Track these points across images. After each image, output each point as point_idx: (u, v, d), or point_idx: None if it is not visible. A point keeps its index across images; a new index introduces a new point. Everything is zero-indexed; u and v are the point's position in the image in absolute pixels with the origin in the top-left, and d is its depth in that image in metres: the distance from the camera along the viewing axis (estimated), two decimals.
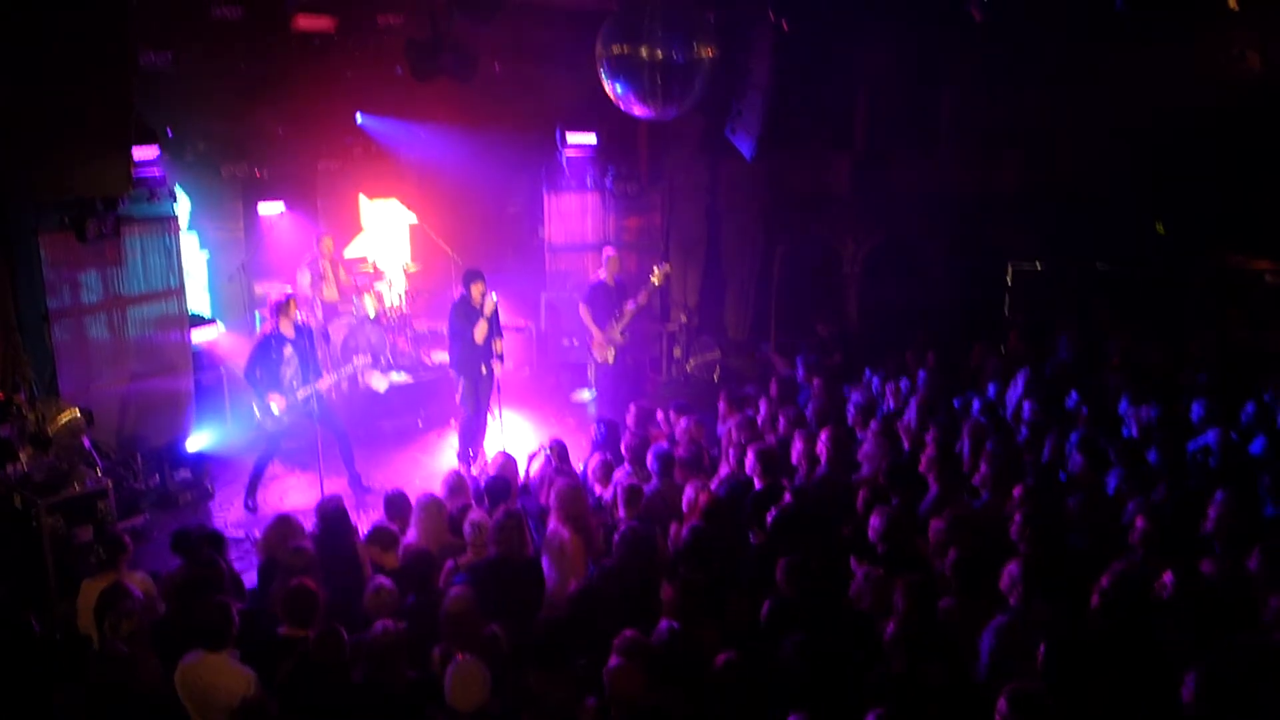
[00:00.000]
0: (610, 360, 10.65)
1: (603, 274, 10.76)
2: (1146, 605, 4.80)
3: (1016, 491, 6.27)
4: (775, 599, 5.09)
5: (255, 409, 8.71)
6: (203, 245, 11.21)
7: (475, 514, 6.19)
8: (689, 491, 6.55)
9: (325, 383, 8.67)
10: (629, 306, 10.59)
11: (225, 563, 5.95)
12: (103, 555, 5.87)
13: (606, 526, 6.47)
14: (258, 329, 11.15)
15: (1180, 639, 4.66)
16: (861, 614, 5.12)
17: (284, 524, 6.20)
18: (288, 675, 4.73)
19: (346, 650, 4.68)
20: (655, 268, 10.66)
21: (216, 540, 6.21)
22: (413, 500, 6.53)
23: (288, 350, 8.58)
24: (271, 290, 10.85)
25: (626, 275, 11.32)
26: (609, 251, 10.91)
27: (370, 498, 8.96)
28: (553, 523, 6.18)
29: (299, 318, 8.78)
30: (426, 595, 5.53)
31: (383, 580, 5.33)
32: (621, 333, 10.59)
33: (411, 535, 6.25)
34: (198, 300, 10.89)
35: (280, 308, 8.54)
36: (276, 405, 8.53)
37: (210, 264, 11.37)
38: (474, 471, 9.13)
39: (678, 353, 12.51)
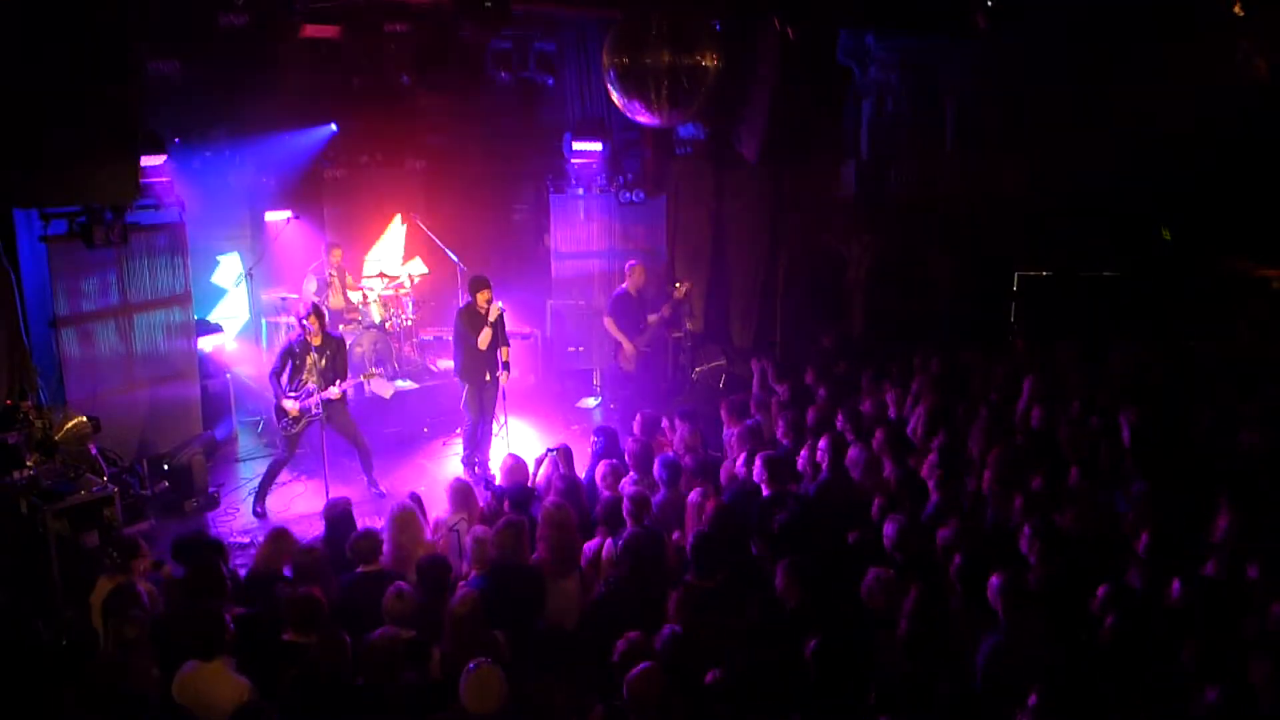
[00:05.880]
0: (633, 369, 10.79)
1: (626, 285, 10.84)
2: (1149, 616, 4.79)
3: (1018, 501, 6.26)
4: (783, 603, 5.09)
5: (273, 412, 8.76)
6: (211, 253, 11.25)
7: (478, 529, 6.20)
8: (694, 498, 6.55)
9: (334, 392, 8.69)
10: (651, 319, 10.70)
11: (228, 569, 5.96)
12: (116, 558, 5.89)
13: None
14: (265, 335, 11.22)
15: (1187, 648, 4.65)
16: (871, 616, 5.12)
17: (279, 540, 6.22)
18: (291, 681, 4.74)
19: (350, 655, 4.68)
20: (676, 283, 10.88)
21: (217, 547, 6.22)
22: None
23: (310, 358, 8.62)
24: (291, 298, 10.91)
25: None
26: (632, 263, 10.99)
27: (385, 503, 8.95)
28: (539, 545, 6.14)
29: (328, 327, 8.81)
30: (438, 601, 5.54)
31: (402, 585, 5.33)
32: (646, 345, 10.73)
33: (385, 548, 6.15)
34: (236, 309, 11.00)
35: (309, 315, 8.59)
36: (291, 410, 8.59)
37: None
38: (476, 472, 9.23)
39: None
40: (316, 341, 8.61)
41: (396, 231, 12.42)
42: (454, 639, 4.89)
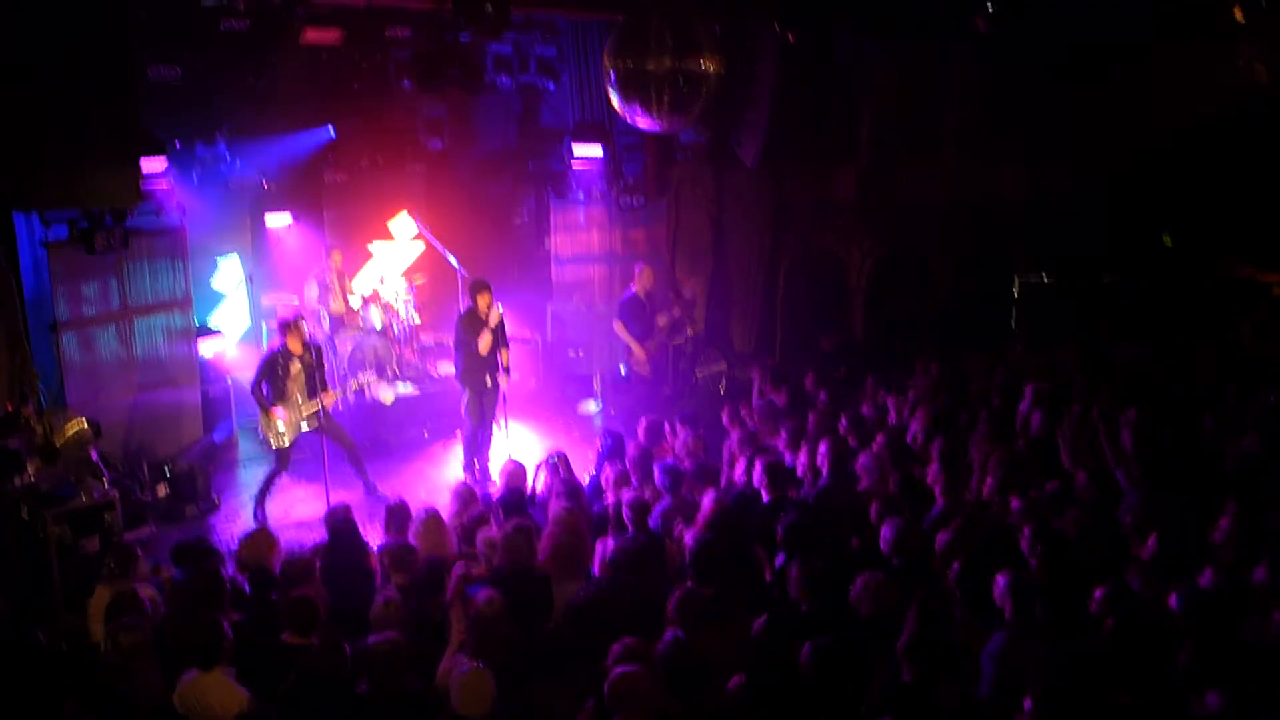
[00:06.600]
0: (647, 373, 10.88)
1: (635, 288, 10.89)
2: (1148, 622, 4.77)
3: (1015, 504, 6.26)
4: (784, 608, 5.07)
5: (260, 424, 8.72)
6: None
7: (488, 531, 6.18)
8: (708, 502, 6.52)
9: (330, 399, 8.67)
10: (661, 321, 10.79)
11: (228, 576, 5.94)
12: (113, 566, 5.87)
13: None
14: (265, 340, 11.21)
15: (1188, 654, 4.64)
16: (869, 621, 5.10)
17: (258, 538, 6.20)
18: (291, 685, 4.73)
19: (349, 661, 4.67)
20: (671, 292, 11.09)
21: (213, 554, 6.21)
22: (413, 511, 6.51)
23: (294, 367, 8.57)
24: (281, 304, 10.89)
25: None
26: (640, 265, 11.05)
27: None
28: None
29: (308, 334, 8.78)
30: (433, 606, 5.52)
31: (390, 594, 5.32)
32: (656, 349, 10.86)
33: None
34: (236, 314, 11.02)
35: (288, 325, 8.54)
36: (279, 420, 8.54)
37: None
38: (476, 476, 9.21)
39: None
40: (297, 351, 8.58)
41: (407, 240, 12.26)
42: (477, 640, 4.88)
